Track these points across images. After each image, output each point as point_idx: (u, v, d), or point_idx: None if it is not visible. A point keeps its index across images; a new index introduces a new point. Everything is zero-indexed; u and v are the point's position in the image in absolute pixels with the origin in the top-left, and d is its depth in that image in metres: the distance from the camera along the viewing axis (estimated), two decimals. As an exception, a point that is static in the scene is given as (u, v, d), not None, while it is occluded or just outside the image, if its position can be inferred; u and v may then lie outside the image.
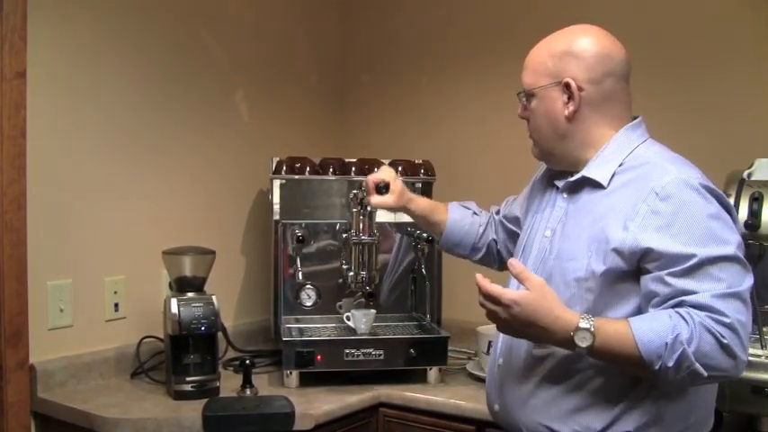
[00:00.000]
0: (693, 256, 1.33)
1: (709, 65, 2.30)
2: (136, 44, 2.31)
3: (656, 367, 1.31)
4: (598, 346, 1.35)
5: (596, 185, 1.51)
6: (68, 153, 2.15)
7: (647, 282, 1.38)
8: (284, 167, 2.51)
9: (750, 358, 1.68)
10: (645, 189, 1.41)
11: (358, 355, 2.17)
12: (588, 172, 1.53)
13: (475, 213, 1.99)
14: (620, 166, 1.50)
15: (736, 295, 1.33)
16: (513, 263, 1.43)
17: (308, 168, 2.53)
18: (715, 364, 1.31)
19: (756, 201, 1.81)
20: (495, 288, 1.39)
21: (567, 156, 1.57)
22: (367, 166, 2.57)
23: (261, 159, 2.62)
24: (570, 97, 1.51)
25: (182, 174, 2.47)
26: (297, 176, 2.51)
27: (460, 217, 1.96)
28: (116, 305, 2.27)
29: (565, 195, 1.59)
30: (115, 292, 2.27)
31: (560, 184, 1.61)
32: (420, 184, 2.65)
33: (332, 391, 2.11)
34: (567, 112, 1.52)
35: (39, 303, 2.06)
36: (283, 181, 2.51)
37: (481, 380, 2.19)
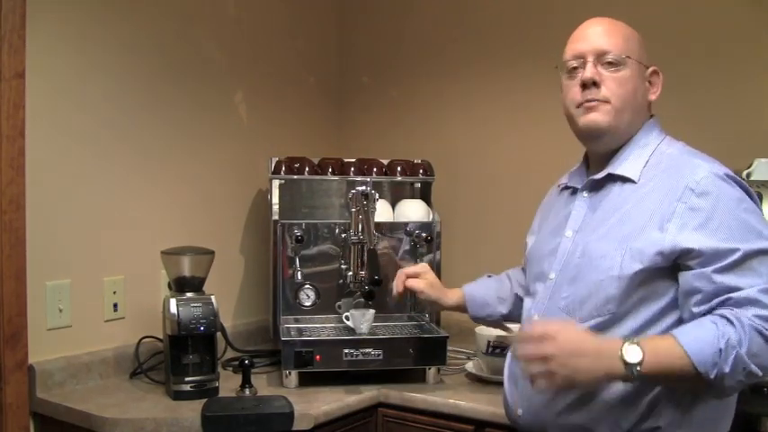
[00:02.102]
0: (736, 250, 1.34)
1: (708, 65, 2.30)
2: (136, 45, 2.31)
3: (712, 376, 1.29)
4: (648, 361, 1.30)
5: (625, 181, 1.52)
6: (67, 153, 2.15)
7: (689, 278, 1.38)
8: (283, 167, 2.51)
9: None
10: (679, 186, 1.42)
11: (357, 355, 2.17)
12: (614, 169, 1.54)
13: (489, 276, 2.04)
14: (647, 161, 1.52)
15: None
16: (524, 330, 1.45)
17: (307, 168, 2.53)
18: (766, 361, 1.31)
19: (755, 201, 1.81)
20: (534, 336, 1.37)
21: (623, 138, 1.56)
22: (366, 165, 2.57)
23: (260, 159, 2.62)
24: (654, 84, 1.57)
25: (181, 174, 2.46)
26: (296, 176, 2.51)
27: (479, 283, 2.01)
28: (115, 305, 2.27)
29: (585, 195, 1.59)
30: (114, 293, 2.27)
31: (579, 184, 1.62)
32: (419, 185, 2.66)
33: (331, 391, 2.11)
34: (653, 97, 1.58)
35: (38, 303, 2.06)
36: (282, 181, 2.51)
37: (480, 380, 2.19)
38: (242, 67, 2.68)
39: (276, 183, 2.50)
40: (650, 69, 1.57)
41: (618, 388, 1.43)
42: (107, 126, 2.25)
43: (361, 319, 2.26)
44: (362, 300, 2.35)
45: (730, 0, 2.29)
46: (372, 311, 2.29)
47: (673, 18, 2.36)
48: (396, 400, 2.13)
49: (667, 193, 1.43)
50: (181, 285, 2.15)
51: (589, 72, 1.52)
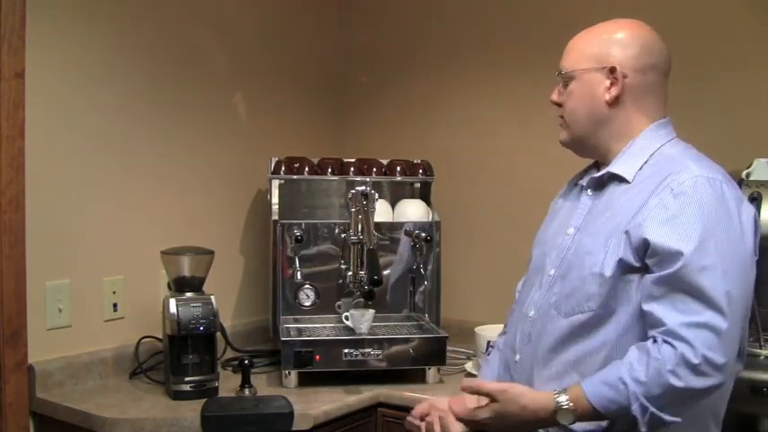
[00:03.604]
0: (680, 255, 1.33)
1: (708, 64, 2.30)
2: (135, 44, 2.31)
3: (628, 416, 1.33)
4: (582, 417, 1.37)
5: (621, 180, 1.52)
6: (67, 153, 2.15)
7: (643, 282, 1.39)
8: (283, 167, 2.51)
9: (749, 358, 1.68)
10: (662, 184, 1.42)
11: (357, 355, 2.17)
12: (613, 168, 1.54)
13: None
14: (645, 162, 1.51)
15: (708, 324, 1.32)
16: (464, 384, 1.47)
17: (306, 168, 2.53)
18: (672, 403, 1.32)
19: (755, 201, 1.81)
20: (467, 414, 1.45)
21: (600, 145, 1.57)
22: (366, 165, 2.57)
23: (259, 159, 2.62)
24: (613, 83, 1.53)
25: (180, 174, 2.46)
26: (295, 176, 2.51)
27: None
28: (114, 305, 2.27)
29: (589, 192, 1.59)
30: (114, 292, 2.27)
31: (584, 181, 1.62)
32: (419, 185, 2.66)
33: (331, 391, 2.11)
34: (608, 97, 1.53)
35: (37, 303, 2.06)
36: (282, 181, 2.51)
37: (480, 380, 2.19)
38: (242, 67, 2.68)
39: (276, 183, 2.50)
40: (607, 68, 1.53)
41: None
42: (106, 126, 2.25)
43: (361, 319, 2.25)
44: (362, 300, 2.35)
45: (731, 1, 2.29)
46: (372, 311, 2.29)
47: (672, 18, 2.36)
48: (395, 400, 2.13)
49: (652, 190, 1.43)
50: (180, 285, 2.15)
51: (553, 95, 1.62)
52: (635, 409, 1.31)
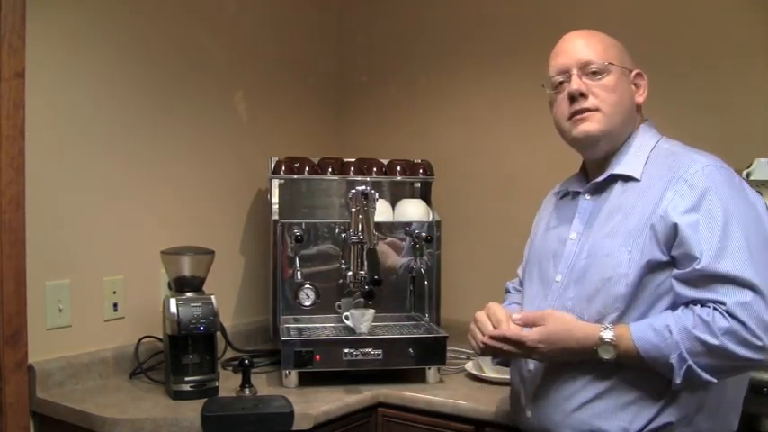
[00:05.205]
0: (702, 250, 1.37)
1: (708, 64, 2.30)
2: (135, 44, 2.31)
3: (660, 369, 1.36)
4: (621, 356, 1.39)
5: (627, 180, 1.54)
6: (67, 153, 2.15)
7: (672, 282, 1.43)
8: (283, 167, 2.51)
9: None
10: (675, 177, 1.45)
11: (357, 355, 2.17)
12: (617, 169, 1.56)
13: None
14: (647, 159, 1.54)
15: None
16: (514, 316, 1.50)
17: (306, 168, 2.53)
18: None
19: (755, 200, 1.81)
20: (515, 334, 1.46)
21: (616, 140, 1.59)
22: (366, 165, 2.57)
23: (260, 159, 2.62)
24: (642, 87, 1.60)
25: (181, 174, 2.46)
26: (296, 176, 2.51)
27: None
28: (115, 305, 2.27)
29: (588, 197, 1.61)
30: (114, 292, 2.27)
31: (582, 188, 1.64)
32: (419, 184, 2.66)
33: (331, 391, 2.11)
34: (642, 99, 1.60)
35: (37, 303, 2.06)
36: (282, 181, 2.51)
37: (480, 380, 2.19)
38: (242, 67, 2.68)
39: (276, 182, 2.50)
40: (634, 72, 1.60)
41: (632, 387, 1.45)
42: (106, 125, 2.25)
43: (361, 319, 2.25)
44: (362, 299, 2.35)
45: (730, 0, 2.29)
46: (372, 311, 2.29)
47: (672, 18, 2.36)
48: (395, 400, 2.13)
49: (666, 185, 1.46)
50: (181, 285, 2.15)
51: (575, 84, 1.56)
52: (674, 358, 1.34)
